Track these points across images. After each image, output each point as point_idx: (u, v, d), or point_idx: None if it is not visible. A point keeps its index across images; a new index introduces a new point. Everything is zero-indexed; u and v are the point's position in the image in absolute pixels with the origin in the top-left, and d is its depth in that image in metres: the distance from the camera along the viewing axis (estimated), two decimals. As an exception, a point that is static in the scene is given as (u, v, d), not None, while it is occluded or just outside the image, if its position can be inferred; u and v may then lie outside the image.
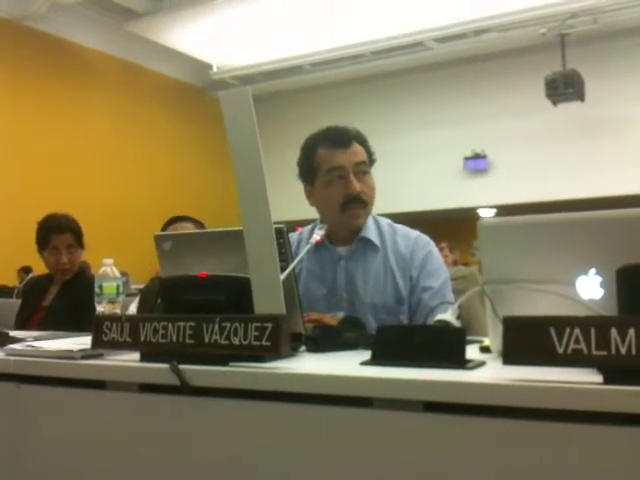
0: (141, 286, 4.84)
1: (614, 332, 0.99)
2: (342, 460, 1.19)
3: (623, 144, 9.89)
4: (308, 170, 2.08)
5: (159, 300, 2.27)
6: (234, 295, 1.40)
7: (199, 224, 2.92)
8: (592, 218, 1.21)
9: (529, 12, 9.37)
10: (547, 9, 9.27)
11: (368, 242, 2.06)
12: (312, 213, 2.16)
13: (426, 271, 2.02)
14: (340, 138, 2.04)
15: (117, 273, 1.77)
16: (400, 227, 2.13)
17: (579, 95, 9.60)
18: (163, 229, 2.82)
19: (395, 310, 2.00)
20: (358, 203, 2.01)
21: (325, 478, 1.20)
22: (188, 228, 2.84)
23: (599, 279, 1.16)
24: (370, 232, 2.07)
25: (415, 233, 2.10)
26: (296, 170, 2.13)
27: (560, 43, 9.94)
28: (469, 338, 1.28)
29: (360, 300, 2.01)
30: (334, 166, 2.01)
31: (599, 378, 1.01)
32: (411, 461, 1.13)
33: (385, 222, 2.13)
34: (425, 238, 2.09)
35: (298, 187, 2.15)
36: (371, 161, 2.09)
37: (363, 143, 2.08)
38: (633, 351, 0.97)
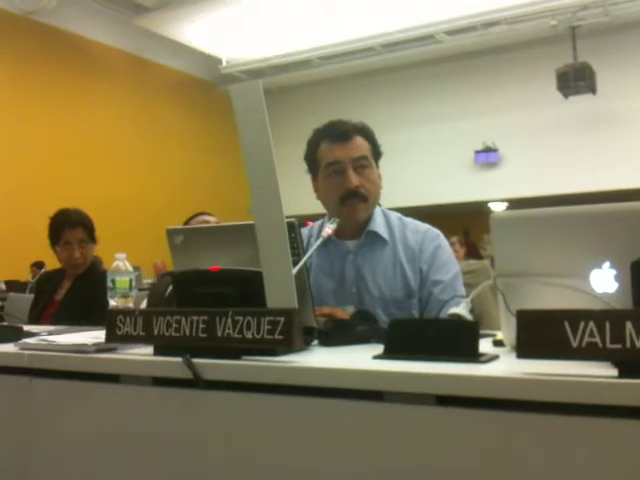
0: (152, 281, 4.86)
1: (629, 325, 0.98)
2: (354, 453, 1.19)
3: (635, 136, 9.83)
4: (312, 164, 2.11)
5: (167, 294, 2.29)
6: (246, 289, 1.40)
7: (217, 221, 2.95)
8: (606, 211, 1.20)
9: (540, 4, 9.32)
10: (557, 1, 9.21)
11: (376, 236, 2.06)
12: (321, 207, 2.16)
13: (436, 264, 2.02)
14: (339, 132, 2.05)
15: (130, 267, 1.78)
16: (410, 221, 2.12)
17: (590, 88, 9.54)
18: (186, 224, 2.85)
19: (405, 304, 2.00)
20: (356, 197, 2.02)
21: (337, 471, 1.21)
22: (209, 221, 2.88)
23: (613, 272, 1.15)
24: (378, 226, 2.07)
25: (425, 226, 2.10)
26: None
27: (571, 35, 9.88)
28: (482, 332, 1.27)
29: (369, 294, 2.01)
30: (332, 161, 2.03)
31: (614, 372, 1.00)
32: (423, 455, 1.13)
33: (394, 216, 2.13)
34: (435, 231, 2.09)
35: (308, 181, 2.15)
36: (377, 154, 2.09)
37: (367, 136, 2.08)
38: (648, 345, 0.97)
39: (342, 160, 2.02)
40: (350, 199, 2.01)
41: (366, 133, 2.09)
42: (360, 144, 2.05)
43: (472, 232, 9.01)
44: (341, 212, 2.01)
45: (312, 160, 2.10)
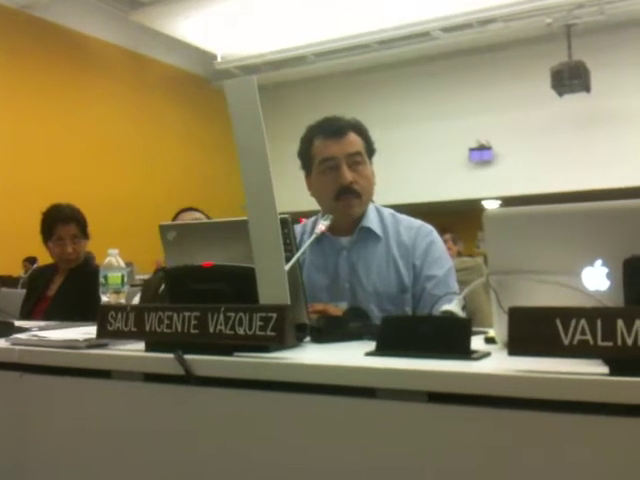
0: (145, 277, 4.85)
1: (620, 323, 0.98)
2: (346, 450, 1.19)
3: (629, 135, 9.85)
4: (306, 161, 2.11)
5: (160, 290, 2.28)
6: (239, 285, 1.40)
7: (205, 216, 2.93)
8: (598, 209, 1.20)
9: (535, 2, 9.32)
10: (553, -1, 9.23)
11: (370, 232, 2.06)
12: (316, 204, 2.16)
13: (429, 260, 2.02)
14: (334, 128, 2.05)
15: (122, 263, 1.77)
16: (403, 217, 2.13)
17: (585, 86, 9.55)
18: (173, 220, 2.83)
19: (398, 299, 2.00)
20: (350, 193, 2.02)
21: (328, 468, 1.21)
22: (197, 217, 2.85)
23: (605, 270, 1.15)
24: (372, 222, 2.07)
25: (418, 222, 2.11)
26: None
27: (566, 34, 9.89)
28: (474, 329, 1.27)
29: (363, 289, 2.02)
30: (326, 157, 2.03)
31: (605, 369, 1.00)
32: (414, 452, 1.13)
33: (387, 212, 2.13)
34: (428, 227, 2.09)
35: (301, 177, 2.15)
36: (370, 151, 2.10)
37: (361, 133, 2.08)
38: (639, 342, 0.97)
39: (336, 156, 2.02)
40: (344, 195, 2.01)
41: (360, 129, 2.09)
42: (354, 140, 2.05)
43: (465, 230, 9.01)
44: (335, 208, 2.01)
45: (306, 156, 2.10)
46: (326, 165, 2.03)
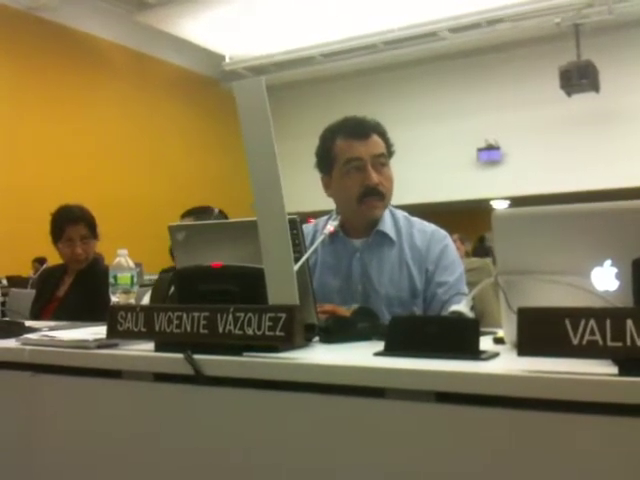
0: (154, 277, 4.86)
1: (630, 323, 0.98)
2: (354, 450, 1.19)
3: (638, 135, 9.80)
4: (326, 160, 2.08)
5: (171, 291, 2.29)
6: (248, 285, 1.40)
7: (219, 213, 2.93)
8: (608, 209, 1.20)
9: (543, 2, 9.28)
10: (561, -1, 9.19)
11: (384, 235, 2.05)
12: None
13: (442, 265, 2.02)
14: (359, 129, 2.04)
15: (131, 264, 1.78)
16: (417, 221, 2.12)
17: (594, 86, 9.50)
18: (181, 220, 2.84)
19: (409, 303, 1.99)
20: (375, 195, 2.01)
21: (337, 467, 1.21)
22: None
23: (614, 270, 1.15)
24: (386, 226, 2.06)
25: (432, 227, 2.10)
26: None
27: (574, 33, 9.84)
28: (483, 329, 1.27)
29: (375, 292, 2.01)
30: (352, 157, 2.01)
31: (614, 369, 1.00)
32: (423, 452, 1.13)
33: (401, 215, 2.12)
34: (442, 232, 2.08)
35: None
36: (390, 153, 2.08)
37: (382, 135, 2.07)
38: (649, 343, 0.97)
39: (362, 157, 2.00)
40: (369, 197, 2.00)
41: (381, 131, 2.08)
42: (378, 141, 2.04)
43: (474, 230, 9.00)
44: (358, 209, 2.01)
45: (327, 156, 2.07)
46: (351, 165, 2.01)
